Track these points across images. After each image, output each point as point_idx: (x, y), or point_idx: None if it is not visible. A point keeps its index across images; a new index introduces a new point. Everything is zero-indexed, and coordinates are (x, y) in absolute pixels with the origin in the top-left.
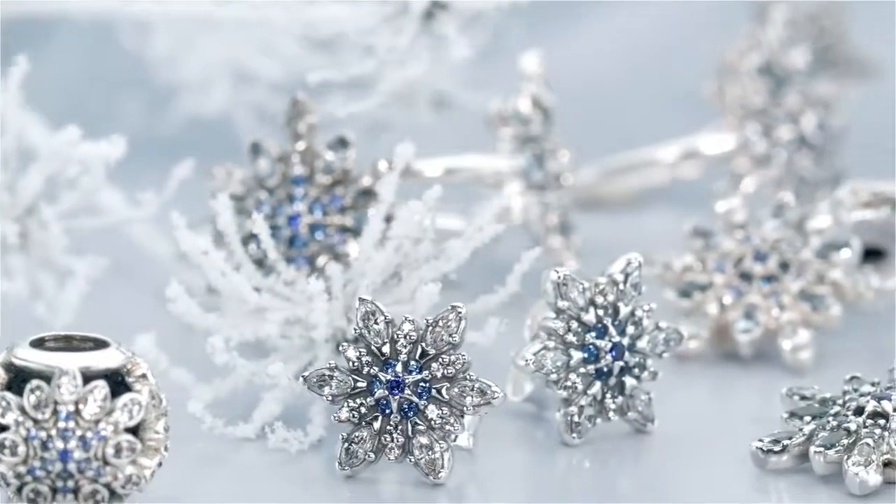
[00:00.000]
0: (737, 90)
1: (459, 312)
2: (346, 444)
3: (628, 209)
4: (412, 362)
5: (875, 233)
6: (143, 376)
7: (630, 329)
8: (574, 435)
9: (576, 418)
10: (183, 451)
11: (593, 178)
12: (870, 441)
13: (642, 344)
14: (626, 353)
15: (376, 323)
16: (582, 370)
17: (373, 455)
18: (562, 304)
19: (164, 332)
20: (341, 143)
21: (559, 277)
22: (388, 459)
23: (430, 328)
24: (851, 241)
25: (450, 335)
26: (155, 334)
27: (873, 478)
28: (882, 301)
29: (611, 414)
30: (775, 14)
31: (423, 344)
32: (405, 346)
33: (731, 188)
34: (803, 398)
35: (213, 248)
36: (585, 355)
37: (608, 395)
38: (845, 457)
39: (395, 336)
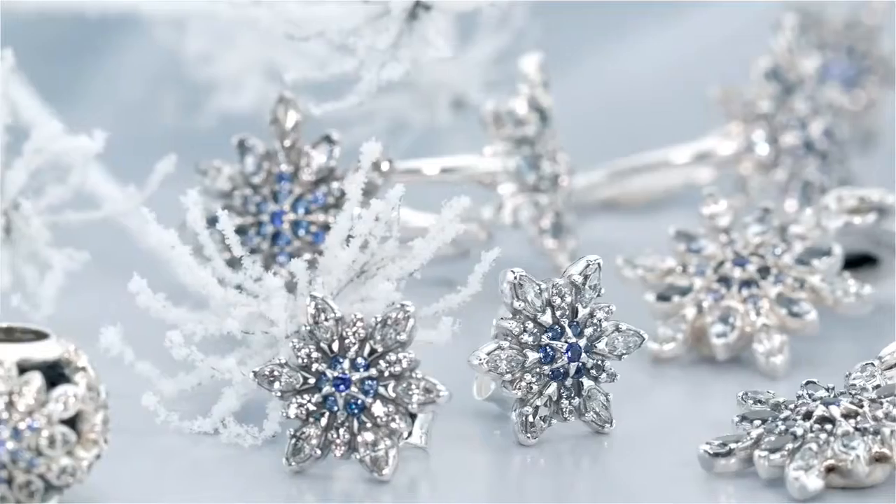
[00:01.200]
0: (744, 94)
1: (407, 311)
2: (293, 440)
3: (645, 212)
4: (360, 360)
5: (861, 239)
6: (83, 368)
7: (588, 331)
8: (528, 435)
9: (531, 419)
10: (141, 444)
11: (604, 180)
12: (813, 446)
13: (601, 346)
14: (584, 355)
15: (326, 320)
16: (538, 371)
17: (319, 451)
18: (518, 304)
19: (147, 325)
20: (327, 142)
21: (515, 278)
22: (335, 456)
23: (379, 326)
24: (833, 248)
25: (398, 333)
26: (121, 327)
27: (813, 483)
28: (863, 306)
29: (567, 415)
30: (786, 20)
31: (372, 342)
32: (353, 344)
33: (737, 192)
34: (757, 402)
35: (179, 243)
36: (541, 356)
37: (564, 396)
38: (787, 461)
39: (344, 333)
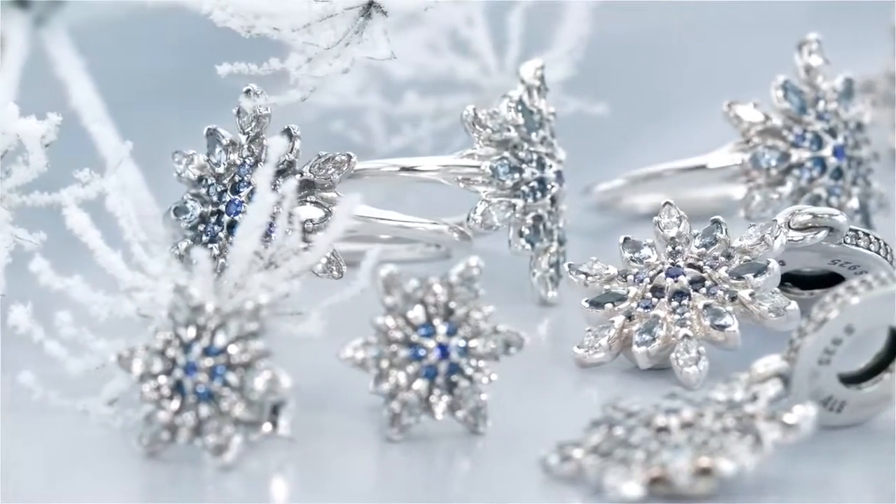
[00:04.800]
0: (757, 109)
1: (259, 304)
2: (145, 422)
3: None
4: (212, 347)
5: (817, 257)
6: None
7: (464, 330)
8: (395, 430)
9: (398, 414)
10: (18, 423)
11: (624, 185)
12: (640, 454)
13: (477, 346)
14: (457, 354)
15: (185, 306)
16: (407, 367)
17: (168, 435)
18: (389, 301)
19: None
20: (287, 135)
21: (387, 275)
22: (184, 442)
23: (234, 316)
24: (770, 264)
25: (250, 323)
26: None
27: (631, 490)
28: (788, 323)
29: (438, 413)
30: (808, 37)
31: (224, 330)
32: (207, 332)
33: (743, 205)
34: (615, 409)
35: (91, 228)
36: (410, 352)
37: (435, 394)
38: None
39: (200, 321)
